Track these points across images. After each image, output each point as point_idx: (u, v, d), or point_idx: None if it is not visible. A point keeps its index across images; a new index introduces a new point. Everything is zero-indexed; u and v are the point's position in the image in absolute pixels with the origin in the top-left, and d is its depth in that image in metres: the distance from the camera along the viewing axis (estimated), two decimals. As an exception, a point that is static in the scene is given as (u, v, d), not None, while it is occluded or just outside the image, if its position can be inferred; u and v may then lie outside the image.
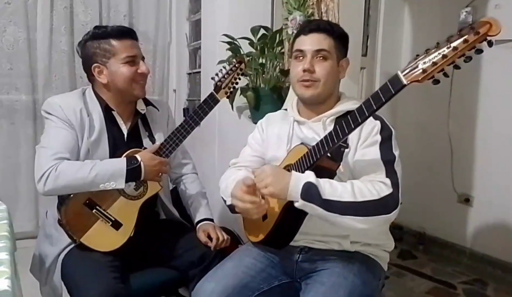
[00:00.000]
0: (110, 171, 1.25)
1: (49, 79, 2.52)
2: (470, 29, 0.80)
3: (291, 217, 1.15)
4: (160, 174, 1.35)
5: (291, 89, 1.77)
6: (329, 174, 1.09)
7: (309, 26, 1.21)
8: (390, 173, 1.06)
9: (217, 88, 1.36)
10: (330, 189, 1.02)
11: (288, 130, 1.25)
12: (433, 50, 0.85)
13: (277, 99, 1.90)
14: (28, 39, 2.46)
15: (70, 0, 2.53)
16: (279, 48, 1.92)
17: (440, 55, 0.83)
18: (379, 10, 2.73)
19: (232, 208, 1.20)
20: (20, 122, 2.52)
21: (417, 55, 0.88)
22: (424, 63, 0.85)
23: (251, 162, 1.34)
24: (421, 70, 0.86)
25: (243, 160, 1.36)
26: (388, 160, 1.08)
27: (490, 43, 0.79)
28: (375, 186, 1.03)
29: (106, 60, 1.33)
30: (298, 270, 1.19)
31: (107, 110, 1.38)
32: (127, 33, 1.35)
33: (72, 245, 1.30)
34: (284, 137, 1.25)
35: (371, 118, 0.99)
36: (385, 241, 1.24)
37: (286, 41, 1.81)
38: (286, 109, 1.35)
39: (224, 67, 1.39)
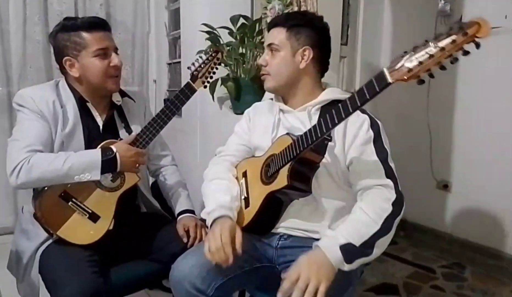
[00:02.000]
0: (84, 163, 1.22)
1: (24, 71, 2.45)
2: (459, 29, 0.77)
3: (273, 206, 1.16)
4: (137, 165, 1.32)
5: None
6: (313, 166, 1.10)
7: (272, 22, 1.24)
8: (389, 172, 1.09)
9: (194, 78, 1.35)
10: (356, 233, 1.01)
11: (273, 119, 1.24)
12: (420, 49, 0.82)
13: (258, 89, 1.89)
14: (0, 30, 2.37)
15: (44, -12, 2.45)
16: (259, 37, 1.90)
17: (427, 55, 0.80)
18: (359, -1, 2.73)
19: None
20: (-6, 115, 2.45)
21: (405, 52, 0.85)
22: (411, 61, 0.83)
23: (237, 151, 1.34)
24: (407, 70, 0.83)
25: (229, 148, 1.35)
26: (384, 158, 1.10)
27: (477, 45, 0.76)
28: (383, 201, 1.06)
29: (77, 53, 1.28)
30: (278, 256, 1.21)
31: (81, 102, 1.34)
32: (98, 25, 1.30)
33: (50, 240, 1.28)
34: (269, 127, 1.24)
35: (357, 112, 0.99)
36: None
37: (265, 30, 1.79)
38: (272, 99, 1.34)
39: (201, 57, 1.38)
